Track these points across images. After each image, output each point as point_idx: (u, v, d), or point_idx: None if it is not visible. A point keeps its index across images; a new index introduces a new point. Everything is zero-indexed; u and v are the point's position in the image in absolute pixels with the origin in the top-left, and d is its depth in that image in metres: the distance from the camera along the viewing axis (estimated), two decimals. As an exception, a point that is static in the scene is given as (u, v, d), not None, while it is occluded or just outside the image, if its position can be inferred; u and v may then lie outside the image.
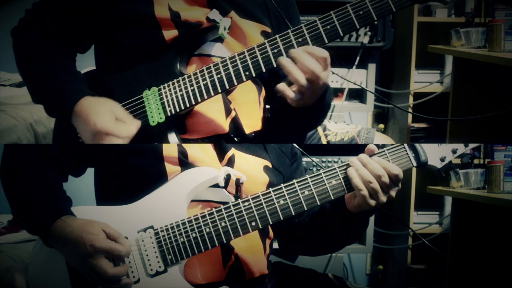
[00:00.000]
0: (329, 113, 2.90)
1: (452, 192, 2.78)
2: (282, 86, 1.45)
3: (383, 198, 1.42)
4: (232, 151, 1.55)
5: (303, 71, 1.42)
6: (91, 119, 1.47)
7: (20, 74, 1.64)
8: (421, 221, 3.14)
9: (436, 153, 1.48)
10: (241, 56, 1.49)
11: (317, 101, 1.50)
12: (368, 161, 1.42)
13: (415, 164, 1.46)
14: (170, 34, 1.56)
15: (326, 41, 1.47)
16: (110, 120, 1.48)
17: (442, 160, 1.48)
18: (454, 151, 1.49)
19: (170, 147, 1.51)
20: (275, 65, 1.48)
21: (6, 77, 2.56)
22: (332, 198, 1.44)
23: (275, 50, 1.48)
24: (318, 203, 1.44)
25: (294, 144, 1.71)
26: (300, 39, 1.47)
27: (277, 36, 1.48)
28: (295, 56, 1.43)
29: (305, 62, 1.42)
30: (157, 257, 1.43)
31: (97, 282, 1.41)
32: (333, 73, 2.70)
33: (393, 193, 1.43)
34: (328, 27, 1.46)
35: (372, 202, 1.42)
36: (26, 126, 2.25)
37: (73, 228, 1.40)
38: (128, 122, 1.51)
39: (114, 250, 1.39)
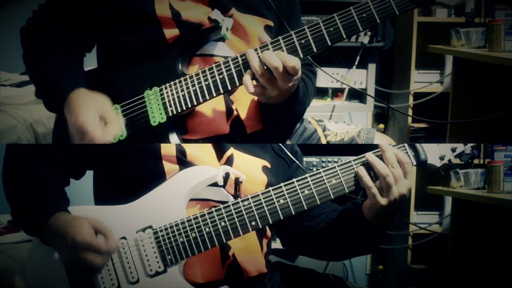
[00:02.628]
0: (329, 113, 2.91)
1: (452, 192, 2.77)
2: (245, 79, 1.47)
3: (395, 195, 1.39)
4: (231, 151, 1.55)
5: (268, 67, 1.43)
6: (75, 112, 1.47)
7: (26, 69, 1.67)
8: (421, 221, 3.14)
9: (435, 152, 1.48)
10: (244, 58, 1.49)
11: (288, 99, 1.51)
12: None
13: (414, 163, 1.46)
14: (171, 33, 1.57)
15: (329, 43, 1.47)
16: (92, 118, 1.47)
17: (442, 158, 1.48)
18: (453, 150, 1.49)
19: (169, 146, 1.51)
20: None
21: (6, 77, 2.56)
22: (332, 197, 1.44)
23: None
24: (318, 202, 1.44)
25: (290, 145, 1.71)
26: (303, 41, 1.47)
27: (280, 38, 1.48)
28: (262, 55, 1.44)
29: (268, 59, 1.43)
30: (156, 257, 1.43)
31: (86, 275, 1.40)
32: (331, 76, 2.72)
33: (403, 187, 1.40)
34: (331, 29, 1.46)
35: (383, 200, 1.40)
36: (26, 126, 2.25)
37: (61, 223, 1.39)
38: (110, 124, 1.49)
39: (94, 246, 1.35)
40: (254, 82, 1.47)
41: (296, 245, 1.66)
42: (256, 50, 1.47)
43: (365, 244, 1.52)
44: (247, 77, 1.46)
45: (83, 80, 1.57)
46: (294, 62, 1.43)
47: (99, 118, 1.49)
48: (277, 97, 1.49)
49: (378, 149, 1.44)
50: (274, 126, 1.68)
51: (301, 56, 1.48)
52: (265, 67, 1.44)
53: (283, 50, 1.47)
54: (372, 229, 1.46)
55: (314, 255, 1.69)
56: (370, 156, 1.43)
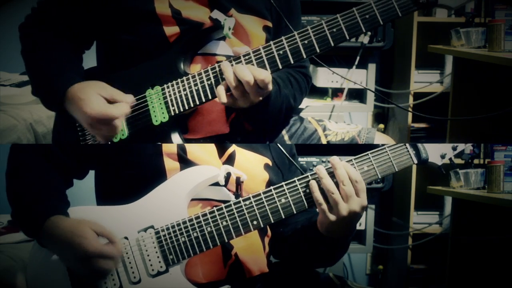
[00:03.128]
0: (328, 113, 2.91)
1: (452, 192, 2.78)
2: (218, 89, 1.48)
3: (344, 212, 1.38)
4: (233, 148, 1.55)
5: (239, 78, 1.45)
6: (82, 107, 1.48)
7: (25, 66, 1.66)
8: (421, 221, 3.14)
9: (436, 150, 1.48)
10: (247, 57, 1.49)
11: (258, 106, 1.52)
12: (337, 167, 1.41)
13: (415, 162, 1.46)
14: (171, 30, 1.57)
15: (332, 44, 1.48)
16: (100, 104, 1.48)
17: (443, 157, 1.48)
18: (454, 148, 1.49)
19: (169, 144, 1.51)
20: (280, 67, 1.48)
21: (6, 77, 2.55)
22: None
23: (281, 52, 1.48)
24: None
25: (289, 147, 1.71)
26: (306, 41, 1.47)
27: (283, 38, 1.48)
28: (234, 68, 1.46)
29: (240, 73, 1.44)
30: (158, 257, 1.43)
31: (99, 280, 1.40)
32: (333, 72, 2.72)
33: (354, 205, 1.39)
34: (334, 30, 1.47)
35: (332, 217, 1.40)
36: (26, 126, 2.25)
37: (62, 230, 1.39)
38: (119, 99, 1.50)
39: (107, 253, 1.37)
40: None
41: (273, 249, 1.64)
42: (230, 61, 1.49)
43: (322, 256, 1.53)
44: (221, 88, 1.48)
45: (80, 77, 1.56)
46: (263, 75, 1.44)
47: (106, 102, 1.49)
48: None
49: (377, 149, 1.44)
50: (257, 126, 1.69)
51: (304, 56, 1.48)
52: (238, 80, 1.45)
53: (285, 50, 1.47)
54: (326, 243, 1.46)
55: (286, 261, 1.68)
56: (319, 170, 1.42)
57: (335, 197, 1.38)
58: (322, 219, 1.42)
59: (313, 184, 1.41)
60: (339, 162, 1.41)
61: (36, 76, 1.62)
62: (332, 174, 1.41)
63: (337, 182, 1.39)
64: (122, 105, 1.50)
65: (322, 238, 1.45)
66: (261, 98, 1.48)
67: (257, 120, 1.63)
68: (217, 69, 1.51)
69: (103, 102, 1.49)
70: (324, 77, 2.86)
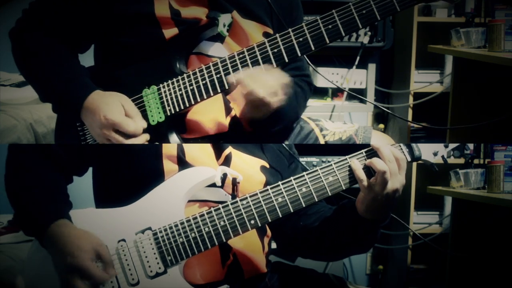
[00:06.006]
0: (329, 113, 2.91)
1: (452, 192, 2.78)
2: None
3: (388, 190, 1.40)
4: (229, 150, 1.55)
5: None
6: (101, 110, 1.47)
7: (23, 75, 1.64)
8: (421, 221, 3.14)
9: (429, 149, 1.50)
10: (241, 56, 1.48)
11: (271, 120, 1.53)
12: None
13: (409, 159, 1.47)
14: (170, 32, 1.56)
15: (328, 41, 1.45)
16: (118, 113, 1.48)
17: (435, 154, 1.50)
18: (446, 146, 1.51)
19: (170, 145, 1.51)
20: (275, 65, 1.47)
21: (6, 77, 2.56)
22: (330, 194, 1.44)
23: (275, 50, 1.46)
24: (316, 200, 1.44)
25: (288, 144, 1.71)
26: (300, 39, 1.45)
27: (277, 35, 1.46)
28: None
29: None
30: (156, 258, 1.43)
31: None
32: (332, 73, 2.72)
33: (396, 183, 1.41)
34: (330, 26, 1.44)
35: (376, 194, 1.41)
36: (26, 126, 2.25)
37: (62, 235, 1.39)
38: (137, 119, 1.51)
39: (88, 273, 1.37)
40: None
41: (292, 245, 1.65)
42: (225, 61, 1.49)
43: (358, 241, 1.52)
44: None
45: (89, 78, 1.56)
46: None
47: (124, 114, 1.49)
48: (258, 112, 1.51)
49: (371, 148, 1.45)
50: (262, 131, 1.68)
51: (299, 54, 1.46)
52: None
53: (280, 49, 1.46)
54: (364, 225, 1.46)
55: (310, 255, 1.68)
56: (369, 156, 1.43)
57: (386, 176, 1.39)
58: (363, 197, 1.42)
59: (356, 162, 1.43)
60: (381, 143, 1.43)
61: (44, 84, 1.58)
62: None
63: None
64: (138, 123, 1.50)
65: (360, 220, 1.45)
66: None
67: (266, 130, 1.64)
68: (212, 68, 1.50)
69: (122, 112, 1.49)
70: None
